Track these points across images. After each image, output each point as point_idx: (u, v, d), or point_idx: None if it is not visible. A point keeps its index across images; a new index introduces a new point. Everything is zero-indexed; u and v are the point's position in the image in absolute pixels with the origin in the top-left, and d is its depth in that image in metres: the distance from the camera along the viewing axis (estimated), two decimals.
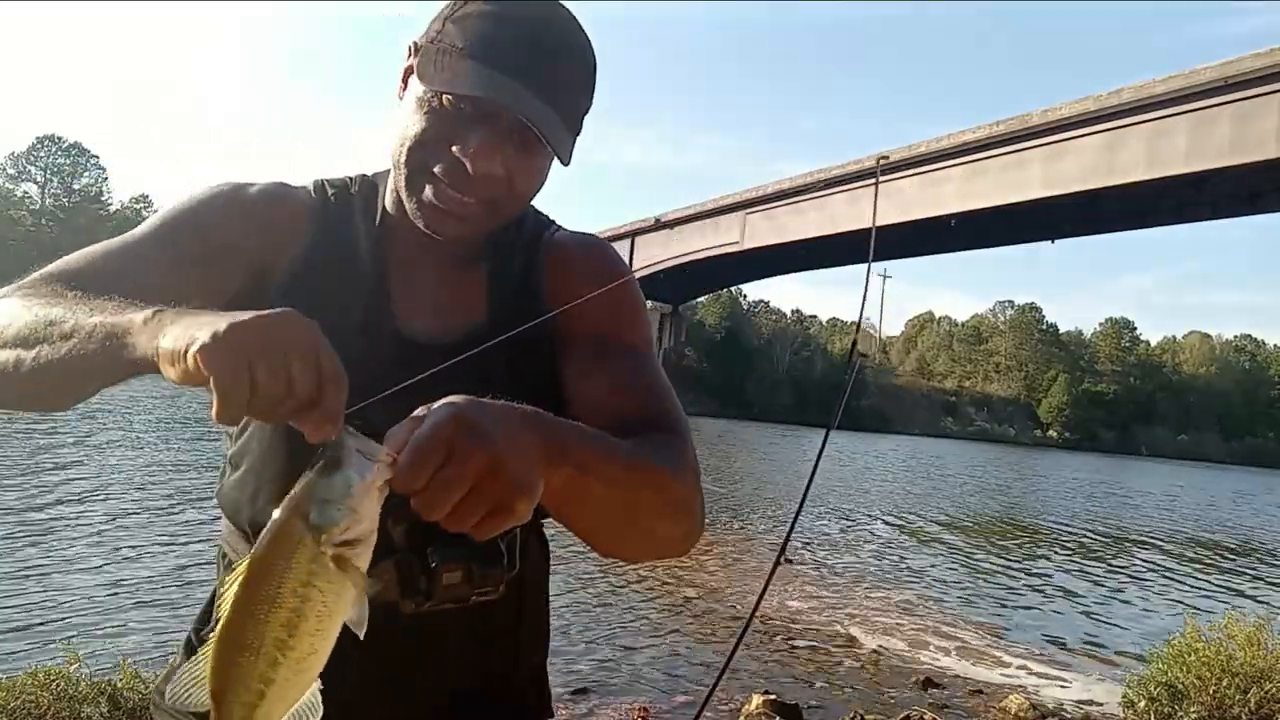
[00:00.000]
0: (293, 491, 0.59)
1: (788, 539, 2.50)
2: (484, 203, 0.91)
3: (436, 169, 0.89)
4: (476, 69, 0.85)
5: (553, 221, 1.10)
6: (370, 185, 1.04)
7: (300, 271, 0.96)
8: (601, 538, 0.85)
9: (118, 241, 0.91)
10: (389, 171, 0.97)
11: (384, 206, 1.01)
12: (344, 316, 0.92)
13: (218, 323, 0.60)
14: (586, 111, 0.95)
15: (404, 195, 0.93)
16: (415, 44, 0.93)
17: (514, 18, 0.88)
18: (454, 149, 0.88)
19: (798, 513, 2.45)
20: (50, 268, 0.85)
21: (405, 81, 0.94)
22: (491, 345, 0.86)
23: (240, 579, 0.58)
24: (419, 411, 0.64)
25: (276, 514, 0.59)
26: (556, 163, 0.93)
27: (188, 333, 0.62)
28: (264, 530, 0.59)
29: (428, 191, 0.90)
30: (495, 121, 0.87)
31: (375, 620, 0.62)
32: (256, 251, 0.95)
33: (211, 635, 0.59)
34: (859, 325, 2.61)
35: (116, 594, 5.66)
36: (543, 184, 0.96)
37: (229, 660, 0.58)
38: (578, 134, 0.94)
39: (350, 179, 1.06)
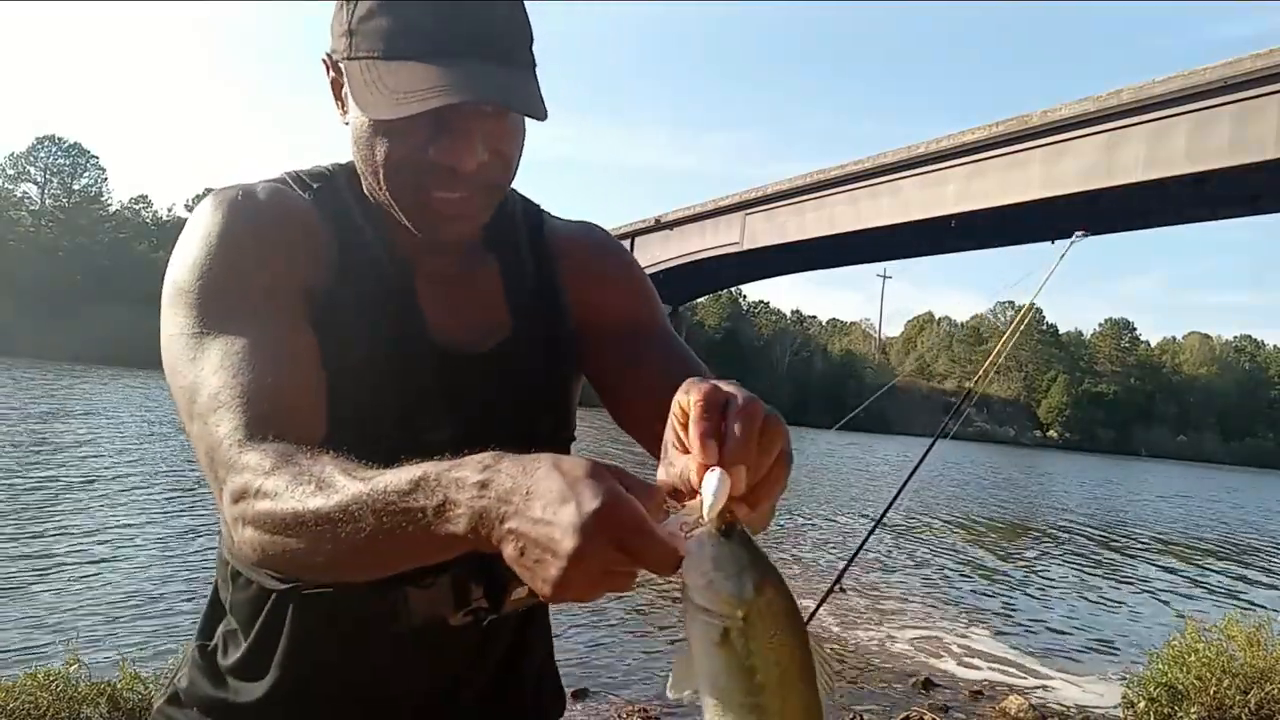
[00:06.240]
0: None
1: (849, 564, 2.43)
2: (483, 189, 0.87)
3: (424, 180, 0.84)
4: (413, 72, 0.78)
5: (539, 206, 1.09)
6: (355, 183, 0.96)
7: (335, 289, 0.91)
8: None
9: (240, 358, 0.79)
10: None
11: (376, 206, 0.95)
12: (380, 331, 0.90)
13: (548, 565, 0.55)
14: (533, 39, 0.87)
15: (402, 215, 0.88)
16: (330, 58, 0.87)
17: None
18: (431, 154, 0.82)
19: (866, 537, 2.38)
20: (244, 429, 0.75)
21: (337, 95, 0.88)
22: (523, 348, 0.96)
23: None
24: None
25: None
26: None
27: (529, 559, 0.56)
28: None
29: (425, 203, 0.86)
30: (457, 109, 0.80)
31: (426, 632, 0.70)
32: (299, 278, 0.89)
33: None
34: (999, 355, 2.41)
35: (116, 595, 5.66)
36: (524, 136, 0.89)
37: None
38: (535, 67, 0.87)
39: (328, 172, 0.97)
